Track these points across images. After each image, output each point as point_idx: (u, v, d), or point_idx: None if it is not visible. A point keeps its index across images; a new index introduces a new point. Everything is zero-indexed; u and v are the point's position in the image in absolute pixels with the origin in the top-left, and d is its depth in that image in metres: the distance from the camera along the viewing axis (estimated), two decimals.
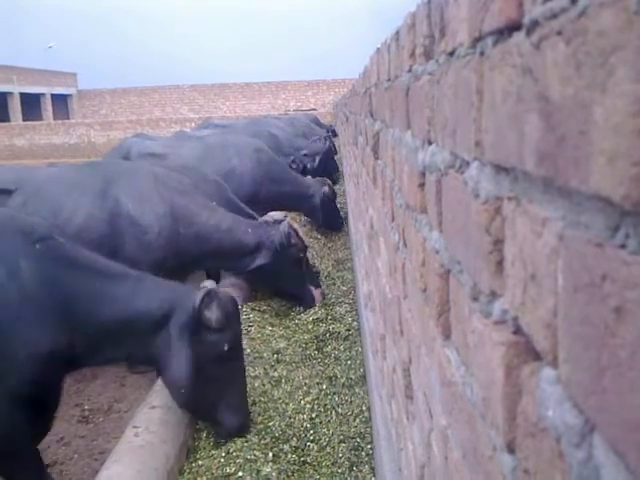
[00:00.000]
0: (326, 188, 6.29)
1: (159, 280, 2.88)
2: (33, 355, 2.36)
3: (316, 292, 4.55)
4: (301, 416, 3.06)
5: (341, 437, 2.87)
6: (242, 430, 2.85)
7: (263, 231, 4.29)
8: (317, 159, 8.26)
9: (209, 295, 2.71)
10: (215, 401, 2.80)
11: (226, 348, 2.74)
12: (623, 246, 0.36)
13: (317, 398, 3.23)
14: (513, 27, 0.54)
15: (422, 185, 1.09)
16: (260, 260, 4.21)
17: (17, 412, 2.37)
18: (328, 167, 8.49)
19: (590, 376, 0.40)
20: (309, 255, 5.05)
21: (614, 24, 0.35)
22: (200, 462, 2.69)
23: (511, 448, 0.58)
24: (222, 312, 2.71)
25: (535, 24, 0.48)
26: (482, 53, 0.64)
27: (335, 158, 9.85)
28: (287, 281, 4.41)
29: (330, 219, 6.49)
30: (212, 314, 2.67)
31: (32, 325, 2.38)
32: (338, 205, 6.91)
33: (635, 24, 0.33)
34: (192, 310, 2.65)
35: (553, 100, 0.45)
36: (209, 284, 2.93)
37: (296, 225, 5.26)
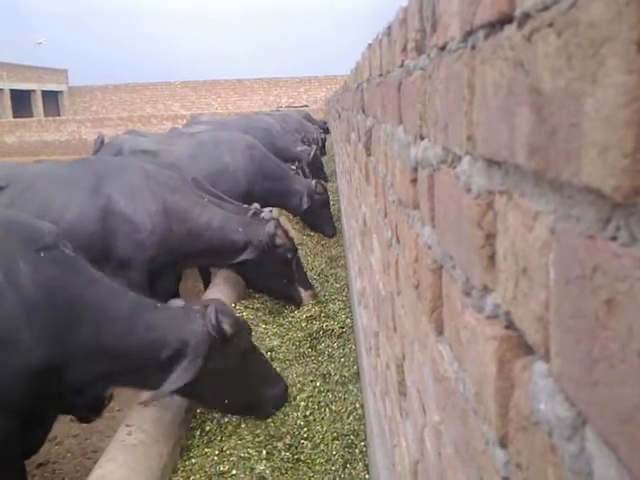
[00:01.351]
0: (314, 183, 6.23)
1: (161, 306, 2.78)
2: (25, 369, 2.25)
3: (305, 293, 4.50)
4: (295, 414, 3.05)
5: (335, 434, 2.87)
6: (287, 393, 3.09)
7: (253, 230, 4.26)
8: (311, 153, 8.27)
9: (216, 310, 2.70)
10: (256, 387, 2.92)
11: (247, 345, 2.89)
12: (614, 238, 0.36)
13: (311, 396, 3.23)
14: (505, 20, 0.53)
15: (414, 181, 1.09)
16: (244, 256, 4.19)
17: (10, 423, 2.30)
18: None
19: (582, 369, 0.40)
20: (302, 253, 5.03)
21: (605, 15, 0.35)
22: (194, 460, 2.68)
23: (503, 442, 0.58)
24: (230, 317, 2.75)
25: (526, 16, 0.48)
26: (473, 47, 0.64)
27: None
28: (275, 280, 4.38)
29: (321, 220, 6.42)
30: (224, 324, 2.67)
31: (25, 335, 2.27)
32: (331, 203, 6.87)
33: (625, 15, 0.33)
34: (212, 330, 2.61)
35: (544, 92, 0.44)
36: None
37: (287, 224, 5.23)
